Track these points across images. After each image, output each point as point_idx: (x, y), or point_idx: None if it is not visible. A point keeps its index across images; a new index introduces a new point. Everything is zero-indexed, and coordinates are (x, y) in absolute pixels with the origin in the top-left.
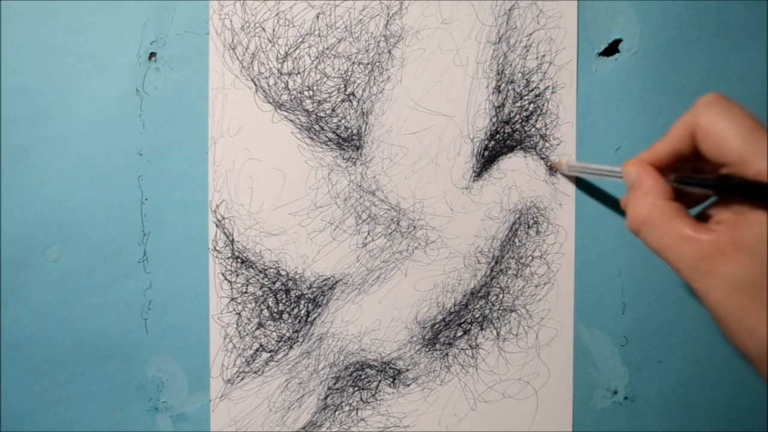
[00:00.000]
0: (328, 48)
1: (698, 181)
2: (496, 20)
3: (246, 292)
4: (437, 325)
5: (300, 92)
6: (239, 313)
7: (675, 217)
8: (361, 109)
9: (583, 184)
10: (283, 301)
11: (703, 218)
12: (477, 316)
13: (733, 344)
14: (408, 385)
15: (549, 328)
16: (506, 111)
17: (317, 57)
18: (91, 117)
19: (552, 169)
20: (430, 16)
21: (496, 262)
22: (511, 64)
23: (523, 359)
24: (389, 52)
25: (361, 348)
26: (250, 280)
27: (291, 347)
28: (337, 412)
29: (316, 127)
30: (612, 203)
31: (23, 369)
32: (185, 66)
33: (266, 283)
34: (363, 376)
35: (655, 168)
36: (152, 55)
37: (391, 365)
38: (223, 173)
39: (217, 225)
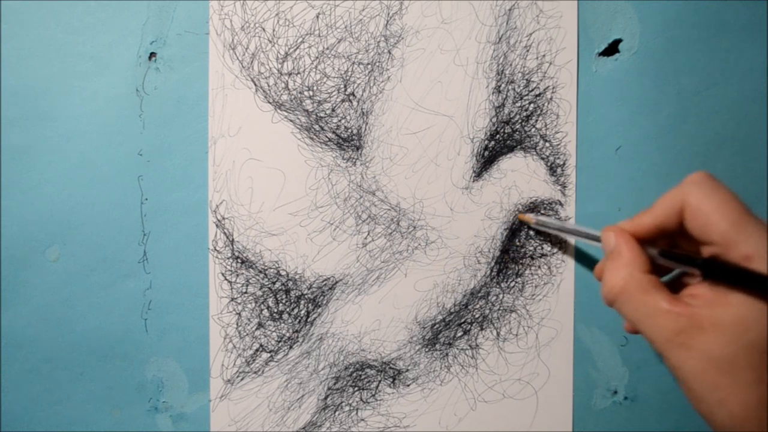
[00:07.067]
0: (328, 48)
1: (684, 259)
2: (496, 20)
3: (246, 293)
4: (437, 325)
5: (300, 92)
6: (239, 313)
7: (652, 290)
8: (361, 109)
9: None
10: (283, 301)
11: (674, 286)
12: (477, 316)
13: (702, 414)
14: (408, 385)
15: (549, 328)
16: (506, 111)
17: (317, 57)
18: (91, 117)
19: (520, 222)
20: (430, 16)
21: (496, 262)
22: (511, 64)
23: (523, 359)
24: (389, 52)
25: (361, 348)
26: (250, 281)
27: (291, 347)
28: (337, 412)
29: (316, 127)
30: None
31: (23, 369)
32: (185, 66)
33: (266, 283)
34: (363, 376)
35: (635, 239)
36: (152, 55)
37: (391, 365)
38: (223, 173)
39: (217, 225)
